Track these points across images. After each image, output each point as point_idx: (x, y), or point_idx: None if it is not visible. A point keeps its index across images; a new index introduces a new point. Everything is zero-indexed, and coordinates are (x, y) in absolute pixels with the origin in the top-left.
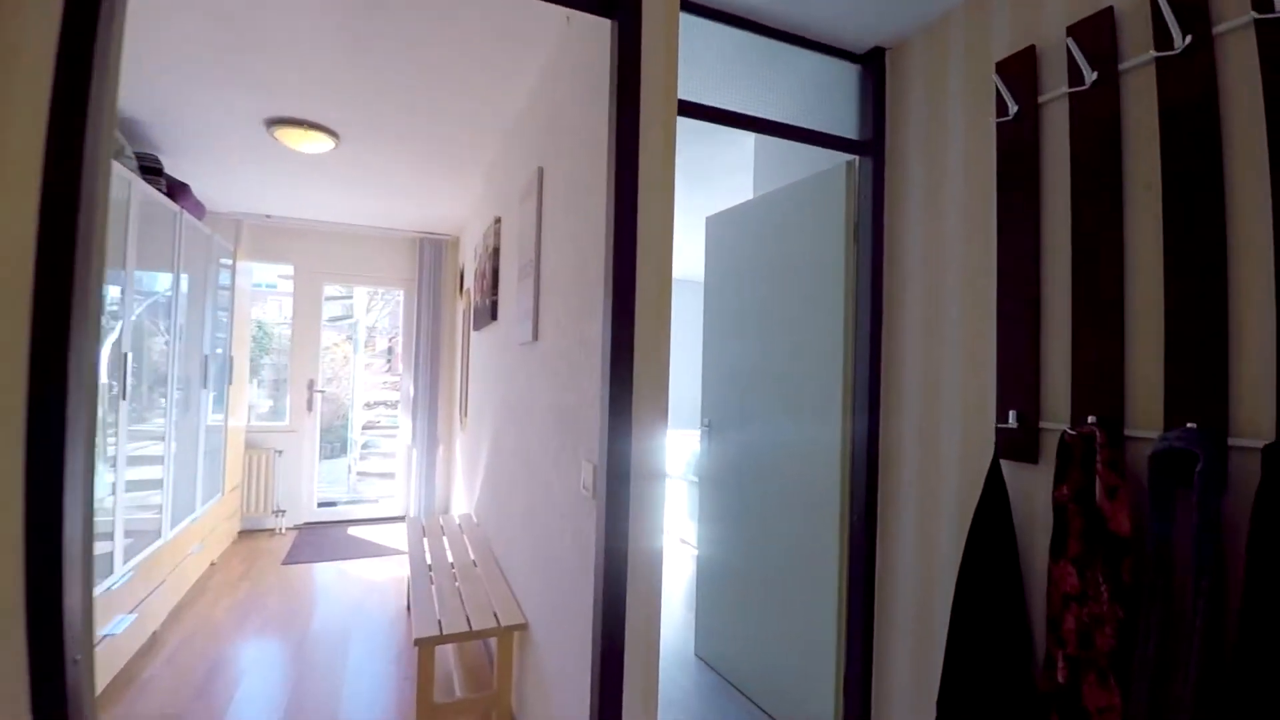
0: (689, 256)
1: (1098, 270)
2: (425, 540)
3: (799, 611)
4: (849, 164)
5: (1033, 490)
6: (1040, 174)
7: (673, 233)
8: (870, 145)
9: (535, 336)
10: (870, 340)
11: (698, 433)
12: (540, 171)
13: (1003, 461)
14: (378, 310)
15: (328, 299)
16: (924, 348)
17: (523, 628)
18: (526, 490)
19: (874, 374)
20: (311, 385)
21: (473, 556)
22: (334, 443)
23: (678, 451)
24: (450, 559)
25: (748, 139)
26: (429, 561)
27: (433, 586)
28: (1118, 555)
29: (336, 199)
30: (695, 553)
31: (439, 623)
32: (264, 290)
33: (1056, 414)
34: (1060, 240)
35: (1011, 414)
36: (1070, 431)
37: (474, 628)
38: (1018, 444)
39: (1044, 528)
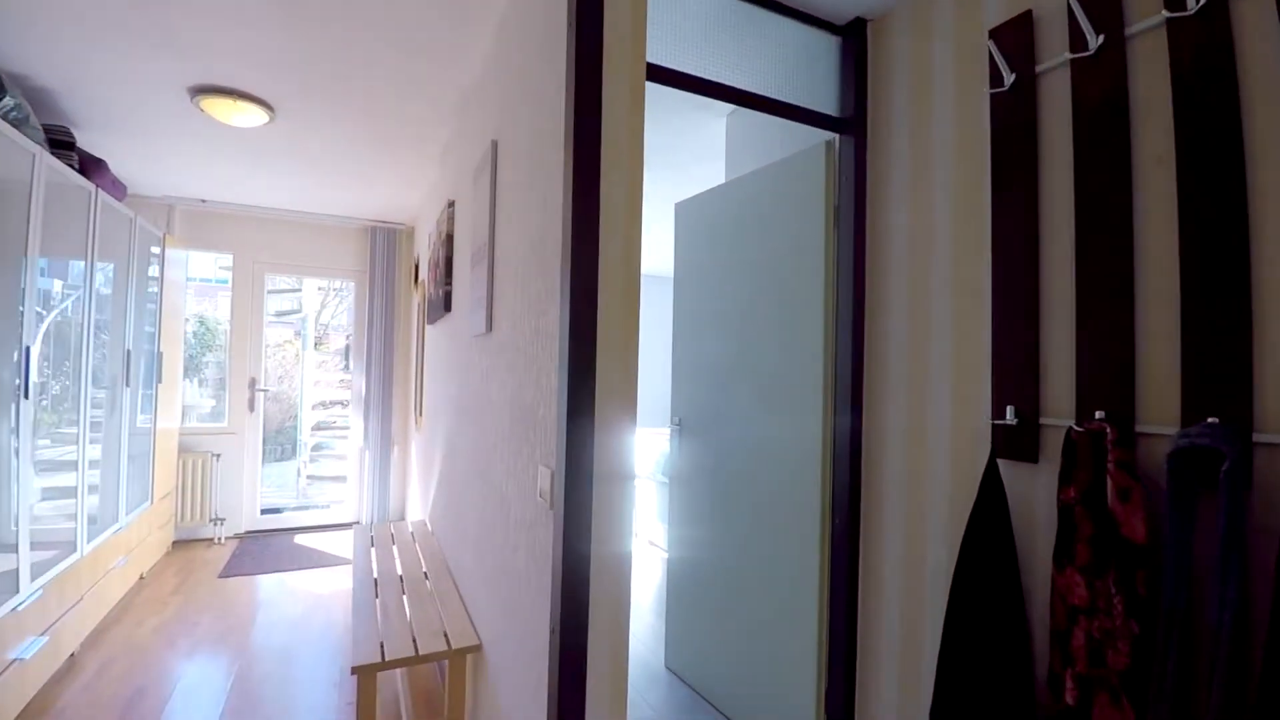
0: (656, 251)
1: (1104, 251)
2: (373, 550)
3: (777, 621)
4: (828, 143)
5: (1033, 492)
6: (1039, 148)
7: (641, 201)
8: (851, 123)
9: (489, 327)
10: (852, 331)
11: (668, 431)
12: (494, 145)
13: (1000, 461)
14: (333, 306)
15: (276, 292)
16: (911, 339)
17: (476, 649)
18: (481, 496)
19: (856, 368)
20: (253, 384)
21: (425, 568)
22: (285, 445)
23: (647, 450)
24: (400, 571)
25: (719, 122)
26: (375, 574)
27: (378, 601)
28: (1132, 564)
29: (278, 182)
30: (665, 556)
31: (381, 646)
32: (214, 285)
33: (1059, 409)
34: (1062, 219)
35: (1009, 409)
36: (1076, 428)
37: (420, 651)
38: (1016, 442)
39: (1046, 533)
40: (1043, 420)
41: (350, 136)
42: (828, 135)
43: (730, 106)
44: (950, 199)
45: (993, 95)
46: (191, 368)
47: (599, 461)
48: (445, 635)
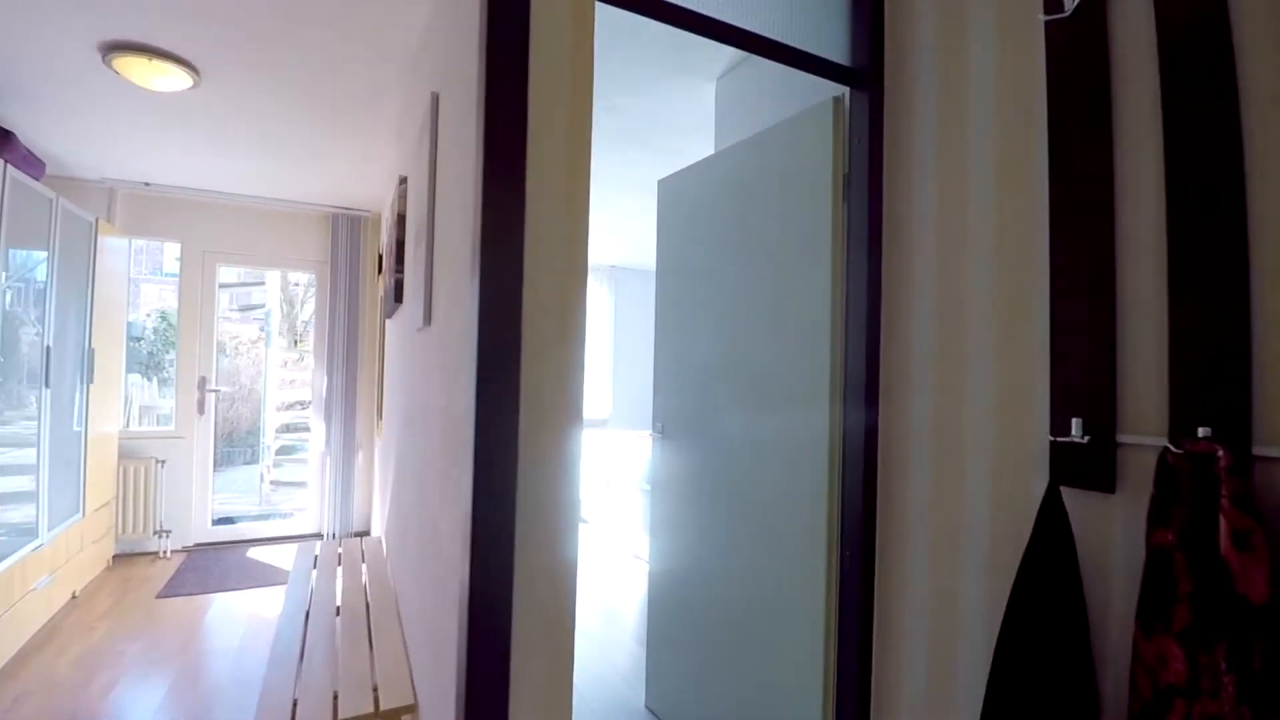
0: (638, 243)
1: (1205, 217)
2: (314, 573)
3: (774, 659)
4: (836, 100)
5: (1108, 531)
6: (1111, 89)
7: (589, 146)
8: (865, 73)
9: (427, 319)
10: (867, 320)
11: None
12: (435, 98)
13: (1063, 489)
14: (314, 303)
15: (241, 286)
16: (940, 334)
17: (410, 710)
18: (419, 520)
19: (871, 370)
20: (203, 384)
21: (369, 597)
22: (253, 446)
23: (633, 455)
24: (338, 600)
25: (707, 88)
26: (308, 605)
27: (305, 639)
28: (1248, 632)
29: (225, 164)
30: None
31: (294, 704)
32: None
33: (1144, 423)
34: (1146, 180)
35: (1075, 422)
36: (1174, 449)
37: (340, 715)
38: (1085, 464)
39: (1126, 583)
40: (1121, 438)
41: (292, 106)
42: (836, 90)
43: (720, 69)
44: (992, 153)
45: (1048, 23)
46: (153, 366)
47: (526, 479)
48: (375, 690)
